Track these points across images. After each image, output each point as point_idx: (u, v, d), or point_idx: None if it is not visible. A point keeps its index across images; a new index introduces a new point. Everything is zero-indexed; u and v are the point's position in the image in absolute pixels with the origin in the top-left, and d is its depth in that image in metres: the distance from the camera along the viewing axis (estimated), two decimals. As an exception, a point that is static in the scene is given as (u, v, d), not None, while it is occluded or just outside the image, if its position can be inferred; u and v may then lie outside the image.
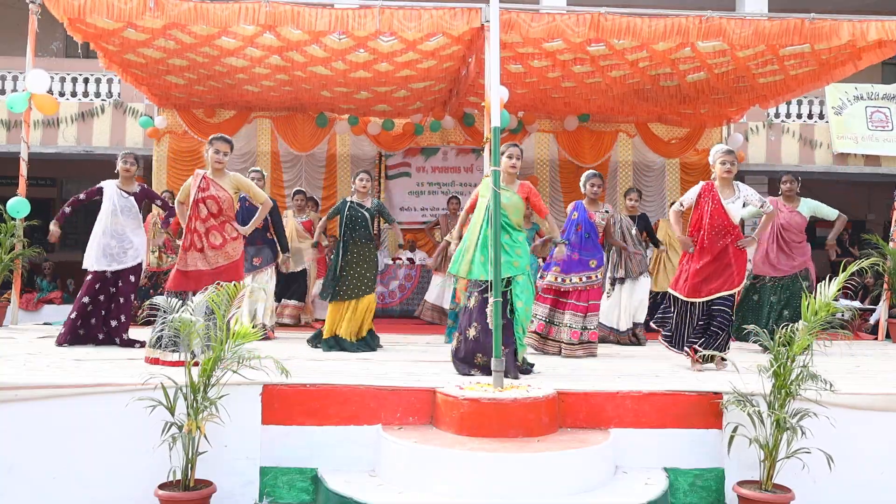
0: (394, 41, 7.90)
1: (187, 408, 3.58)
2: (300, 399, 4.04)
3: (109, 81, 12.16)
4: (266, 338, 6.90)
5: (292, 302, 8.58)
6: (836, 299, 3.94)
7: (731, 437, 3.85)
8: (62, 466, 3.78)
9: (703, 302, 5.30)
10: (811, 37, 7.10)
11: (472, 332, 5.04)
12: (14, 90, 11.80)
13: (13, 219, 7.47)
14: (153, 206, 7.43)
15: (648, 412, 4.10)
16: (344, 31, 7.42)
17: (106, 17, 6.92)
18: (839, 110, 12.65)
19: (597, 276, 6.34)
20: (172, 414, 3.58)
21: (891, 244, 7.98)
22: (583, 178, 6.61)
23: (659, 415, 4.10)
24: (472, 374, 4.88)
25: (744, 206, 5.44)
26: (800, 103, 12.72)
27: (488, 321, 4.93)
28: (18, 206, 7.34)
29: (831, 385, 3.82)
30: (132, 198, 6.19)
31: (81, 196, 6.28)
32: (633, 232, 7.25)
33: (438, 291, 9.28)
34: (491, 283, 4.36)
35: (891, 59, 7.82)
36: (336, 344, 6.21)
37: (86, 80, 12.25)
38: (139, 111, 11.99)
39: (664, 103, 10.15)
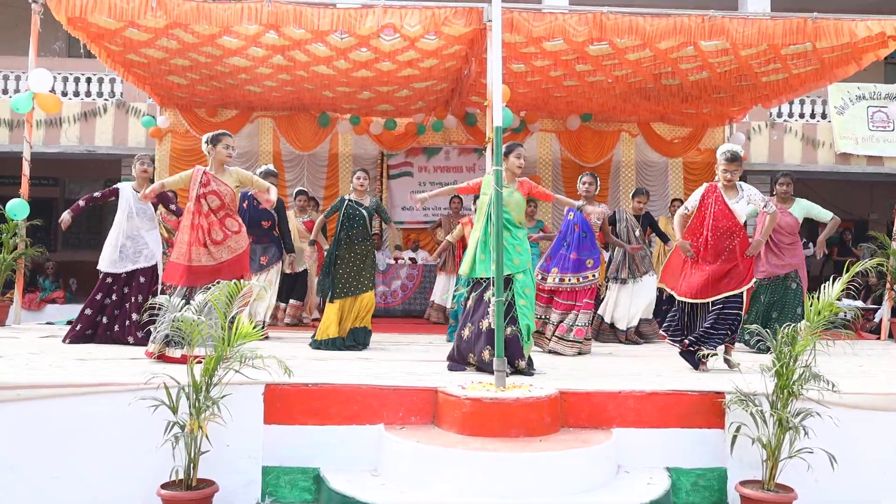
0: (396, 39, 7.91)
1: (189, 407, 3.58)
2: (302, 399, 4.04)
3: (112, 81, 12.16)
4: (265, 337, 6.87)
5: (293, 301, 8.58)
6: (839, 299, 3.93)
7: (734, 437, 3.84)
8: (64, 466, 3.78)
9: (710, 302, 5.19)
10: (814, 36, 7.09)
11: (465, 333, 5.06)
12: (17, 90, 11.82)
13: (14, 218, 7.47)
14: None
15: (651, 412, 4.09)
16: (346, 31, 7.42)
17: (108, 17, 6.94)
18: (841, 110, 12.61)
19: (593, 276, 6.32)
20: (175, 413, 3.58)
21: (894, 244, 7.96)
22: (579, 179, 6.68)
23: (661, 414, 4.09)
24: (465, 371, 4.90)
25: (747, 204, 5.40)
26: (802, 103, 12.69)
27: (481, 322, 4.95)
28: (17, 207, 7.32)
29: (834, 385, 3.80)
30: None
31: (97, 195, 6.32)
32: (638, 232, 7.24)
33: (442, 291, 9.27)
34: (493, 281, 4.35)
35: (894, 58, 7.80)
36: (327, 344, 6.09)
37: (88, 80, 12.26)
38: (141, 111, 12.01)
39: (666, 102, 10.14)
